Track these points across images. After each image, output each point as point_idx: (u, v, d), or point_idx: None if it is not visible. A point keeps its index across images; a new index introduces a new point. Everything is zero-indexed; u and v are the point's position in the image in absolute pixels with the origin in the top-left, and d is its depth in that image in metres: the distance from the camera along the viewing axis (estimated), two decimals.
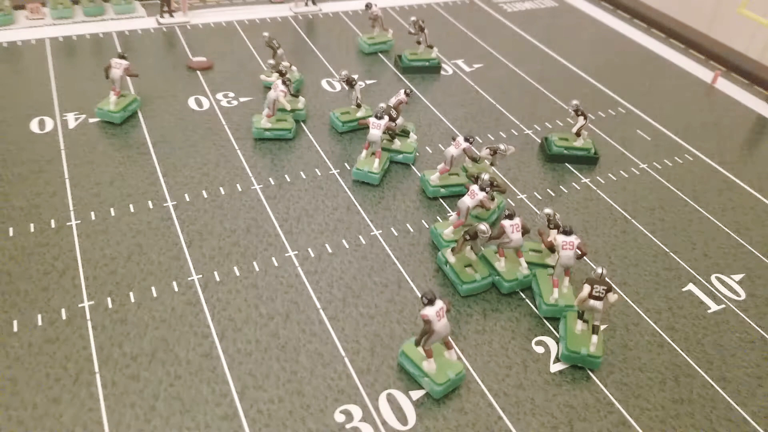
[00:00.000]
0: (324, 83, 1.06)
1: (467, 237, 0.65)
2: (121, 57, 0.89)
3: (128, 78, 0.95)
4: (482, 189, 0.69)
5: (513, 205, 0.82)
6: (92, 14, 1.19)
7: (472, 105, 1.03)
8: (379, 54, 1.17)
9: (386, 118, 0.82)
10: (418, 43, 1.11)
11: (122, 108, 0.90)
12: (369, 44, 1.16)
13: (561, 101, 1.06)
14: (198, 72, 1.05)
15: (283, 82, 0.86)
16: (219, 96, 0.99)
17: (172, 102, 0.96)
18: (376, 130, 0.81)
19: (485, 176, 0.72)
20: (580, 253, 0.63)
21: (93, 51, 1.08)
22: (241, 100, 0.99)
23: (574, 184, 0.87)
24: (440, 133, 0.95)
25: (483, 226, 0.65)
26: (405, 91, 0.87)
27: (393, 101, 0.88)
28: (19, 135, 0.86)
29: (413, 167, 0.87)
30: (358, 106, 0.93)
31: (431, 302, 0.54)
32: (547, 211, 0.69)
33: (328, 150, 0.89)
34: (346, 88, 0.91)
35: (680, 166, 0.92)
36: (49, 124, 0.89)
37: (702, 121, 1.04)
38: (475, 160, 0.81)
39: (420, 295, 0.54)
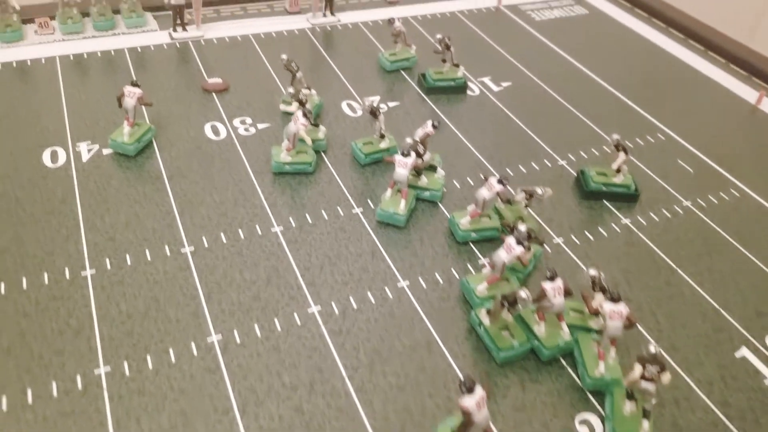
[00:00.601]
0: (344, 106, 1.03)
1: (505, 303, 0.62)
2: (134, 85, 0.87)
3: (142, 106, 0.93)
4: (519, 243, 0.67)
5: (549, 251, 0.79)
6: (103, 29, 1.17)
7: (501, 131, 1.00)
8: (402, 71, 1.14)
9: (413, 155, 0.79)
10: (444, 61, 1.08)
11: (136, 139, 0.88)
12: (391, 61, 1.13)
13: (595, 125, 1.03)
14: (213, 94, 1.03)
15: (304, 114, 0.84)
16: (236, 122, 0.97)
17: (187, 129, 0.94)
18: (403, 169, 0.78)
19: (522, 227, 0.69)
20: (629, 323, 0.60)
21: (105, 70, 1.06)
22: (259, 126, 0.96)
23: (613, 225, 0.84)
24: (468, 165, 0.92)
25: (523, 294, 0.62)
26: (433, 123, 0.84)
27: (419, 134, 0.86)
28: (32, 169, 0.85)
29: (441, 205, 0.85)
30: (382, 136, 0.90)
31: (470, 390, 0.51)
32: (593, 273, 0.66)
33: (351, 185, 0.87)
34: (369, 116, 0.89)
35: (726, 203, 0.89)
36: (62, 157, 0.87)
37: (747, 150, 1.00)
38: (509, 202, 0.78)
39: (459, 382, 0.52)
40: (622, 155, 0.84)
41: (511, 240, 0.68)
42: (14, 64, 1.06)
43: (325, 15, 1.27)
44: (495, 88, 1.11)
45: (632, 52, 1.28)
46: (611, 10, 1.44)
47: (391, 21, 1.10)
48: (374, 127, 0.90)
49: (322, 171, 0.89)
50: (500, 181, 0.75)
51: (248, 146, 0.92)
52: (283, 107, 0.90)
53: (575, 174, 0.92)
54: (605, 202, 0.88)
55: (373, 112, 0.87)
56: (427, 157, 0.82)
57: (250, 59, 1.13)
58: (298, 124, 0.83)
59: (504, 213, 0.80)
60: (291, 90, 0.89)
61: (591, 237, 0.82)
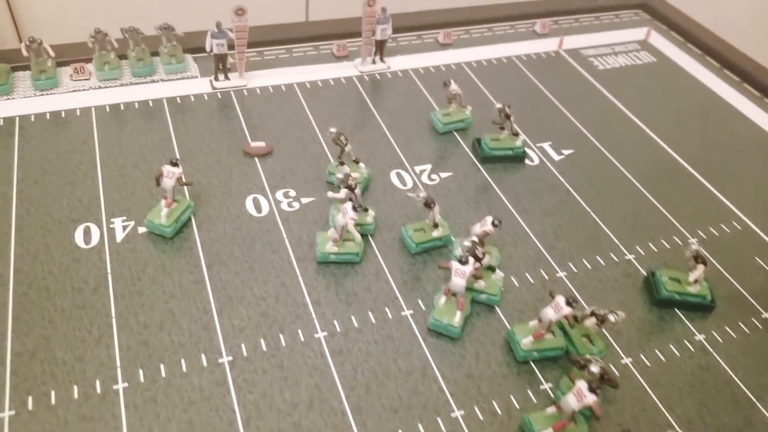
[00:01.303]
0: (393, 176, 0.99)
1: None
2: (174, 164, 0.84)
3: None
4: (592, 390, 0.62)
5: (617, 374, 0.74)
6: (141, 75, 1.14)
7: (563, 212, 0.94)
8: (455, 133, 1.08)
9: (471, 262, 0.74)
10: (502, 128, 1.02)
11: (174, 219, 0.85)
12: (444, 123, 1.08)
13: (666, 209, 0.97)
14: (256, 159, 0.98)
15: (354, 208, 0.79)
16: (279, 195, 0.93)
17: (228, 204, 0.90)
18: (460, 279, 0.73)
19: (595, 368, 0.64)
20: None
21: (142, 126, 1.03)
22: (303, 201, 0.92)
23: (686, 342, 0.78)
24: (527, 257, 0.87)
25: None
26: (493, 222, 0.79)
27: (477, 231, 0.81)
28: (63, 250, 0.82)
29: (498, 310, 0.79)
30: (435, 225, 0.85)
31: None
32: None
33: (400, 279, 0.82)
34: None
35: None
36: (95, 235, 0.84)
37: None
38: (576, 320, 0.73)
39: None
40: (700, 268, 0.78)
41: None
42: (48, 116, 1.03)
43: (374, 62, 1.22)
44: (556, 157, 1.05)
45: (706, 112, 1.21)
46: (680, 57, 1.37)
47: (446, 83, 1.05)
48: (428, 216, 0.85)
49: (369, 259, 0.85)
50: (569, 303, 0.70)
51: (291, 225, 0.88)
52: (330, 194, 0.85)
53: (645, 273, 0.86)
54: (677, 311, 0.82)
55: (427, 204, 0.82)
56: (485, 261, 0.77)
57: (294, 113, 1.09)
58: (347, 217, 0.79)
59: (571, 333, 0.74)
60: (340, 176, 0.85)
61: (662, 357, 0.76)
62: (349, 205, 0.80)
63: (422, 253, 0.86)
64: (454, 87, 1.05)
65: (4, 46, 1.24)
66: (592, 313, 0.72)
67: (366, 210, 0.85)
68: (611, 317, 0.70)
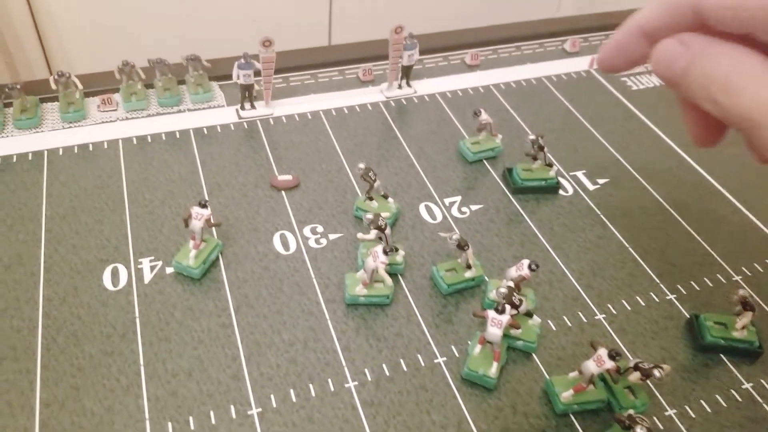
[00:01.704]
0: (422, 209, 0.96)
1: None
2: (203, 206, 0.82)
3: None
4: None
5: (661, 428, 0.71)
6: (168, 105, 1.13)
7: (599, 249, 0.91)
8: (485, 162, 1.06)
9: (508, 310, 0.71)
10: (535, 159, 1.00)
11: (202, 261, 0.83)
12: (473, 152, 1.05)
13: (708, 244, 0.94)
14: (283, 192, 0.97)
15: (384, 251, 0.77)
16: (306, 231, 0.91)
17: (255, 242, 0.88)
18: (497, 329, 0.71)
19: (642, 430, 0.61)
20: None
21: (169, 158, 1.02)
22: (331, 237, 0.90)
23: (733, 391, 0.75)
24: (564, 298, 0.84)
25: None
26: (530, 266, 0.76)
27: (513, 274, 0.78)
28: (92, 293, 0.81)
29: (535, 357, 0.77)
30: (468, 267, 0.82)
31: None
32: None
33: (431, 322, 0.80)
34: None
35: None
36: (123, 276, 0.83)
37: None
38: (618, 372, 0.70)
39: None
40: (748, 315, 0.75)
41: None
42: (75, 149, 1.03)
43: (400, 86, 1.20)
44: (591, 187, 1.02)
45: None
46: None
47: (476, 113, 1.02)
48: (460, 257, 0.82)
49: (399, 301, 0.83)
50: (612, 356, 0.68)
51: (319, 264, 0.86)
52: (360, 236, 0.83)
53: (687, 315, 0.82)
54: (723, 357, 0.78)
55: (461, 246, 0.80)
56: (523, 307, 0.75)
57: (321, 143, 1.07)
58: (378, 261, 0.77)
59: (614, 387, 0.71)
60: (370, 216, 0.83)
61: (707, 407, 0.73)
62: (380, 248, 0.78)
63: (454, 294, 0.84)
64: (484, 116, 1.02)
65: (33, 77, 1.24)
66: (636, 367, 0.69)
67: (396, 250, 0.83)
68: (656, 373, 0.67)
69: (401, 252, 0.85)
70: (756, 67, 0.40)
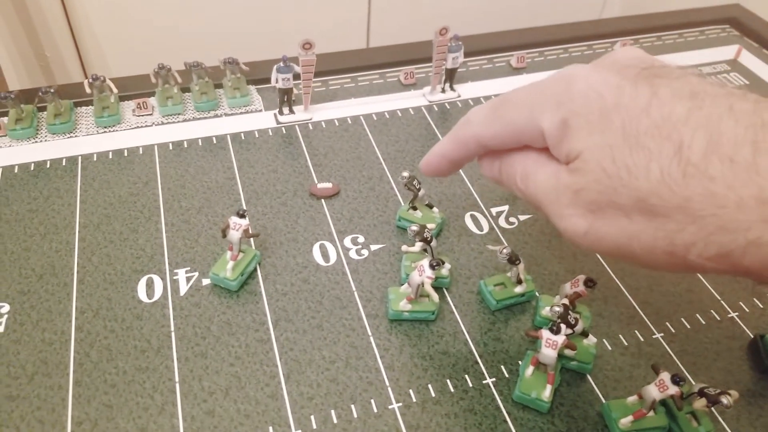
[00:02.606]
0: (468, 219, 0.92)
1: None
2: (241, 216, 0.79)
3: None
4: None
5: None
6: (204, 109, 1.11)
7: None
8: None
9: (563, 330, 0.67)
10: None
11: (240, 272, 0.80)
12: None
13: None
14: (323, 201, 0.94)
15: (431, 266, 0.73)
16: (347, 241, 0.88)
17: (294, 253, 0.85)
18: (551, 350, 0.67)
19: None
20: None
21: (205, 164, 0.99)
22: (372, 248, 0.87)
23: None
24: (620, 316, 0.80)
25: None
26: (588, 283, 0.72)
27: (568, 291, 0.74)
28: (126, 305, 0.79)
29: (590, 378, 0.73)
30: (519, 281, 0.78)
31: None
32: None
33: (479, 340, 0.76)
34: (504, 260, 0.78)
35: None
36: (158, 288, 0.81)
37: None
38: (683, 398, 0.65)
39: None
40: None
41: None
42: (110, 155, 1.01)
43: (443, 90, 1.16)
44: None
45: None
46: (757, 66, 1.26)
47: None
48: (510, 271, 0.78)
49: (444, 317, 0.79)
50: (676, 382, 0.63)
51: (360, 276, 0.83)
52: (405, 248, 0.80)
53: (750, 334, 0.77)
54: None
55: (511, 260, 0.76)
56: (578, 327, 0.70)
57: (361, 149, 1.04)
58: (424, 276, 0.73)
59: (676, 413, 0.67)
60: (415, 228, 0.79)
61: None
62: (426, 261, 0.74)
63: (503, 310, 0.80)
64: None
65: (69, 81, 1.23)
66: (702, 393, 0.64)
67: (442, 263, 0.79)
68: (724, 400, 0.63)
69: (447, 265, 0.81)
70: (534, 161, 0.57)
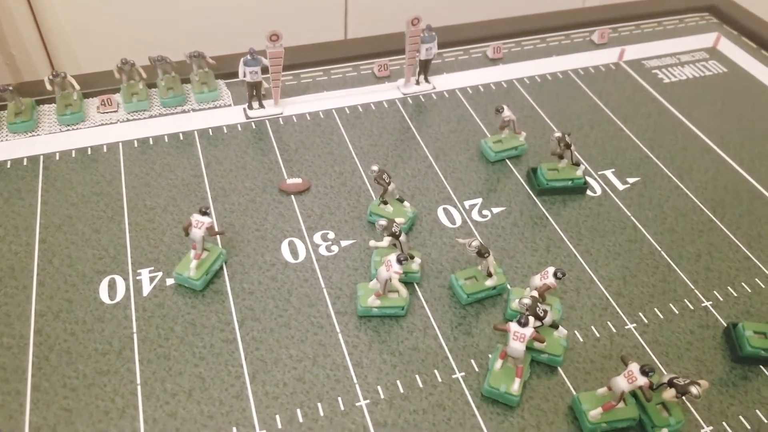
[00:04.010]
0: (440, 213, 0.93)
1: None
2: (203, 213, 0.79)
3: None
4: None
5: None
6: (171, 105, 1.10)
7: (630, 252, 0.87)
8: (507, 161, 1.02)
9: (531, 323, 0.68)
10: (561, 158, 0.96)
11: (204, 271, 0.80)
12: (495, 151, 1.01)
13: (748, 249, 0.89)
14: (292, 197, 0.94)
15: (399, 260, 0.73)
16: (317, 238, 0.88)
17: (262, 251, 0.85)
18: (519, 343, 0.67)
19: None
20: None
21: (173, 164, 0.99)
22: (342, 244, 0.87)
23: None
24: (592, 307, 0.80)
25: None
26: (556, 274, 0.72)
27: (538, 283, 0.74)
28: (87, 307, 0.79)
29: (561, 371, 0.73)
30: (489, 275, 0.79)
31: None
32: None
33: (449, 334, 0.76)
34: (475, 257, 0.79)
35: None
36: (121, 288, 0.80)
37: None
38: (652, 389, 0.66)
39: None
40: None
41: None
42: (73, 153, 1.01)
43: (418, 82, 1.17)
44: (620, 186, 0.98)
45: None
46: (754, 66, 1.28)
47: (498, 110, 0.99)
48: (481, 265, 0.79)
49: (415, 312, 0.79)
50: (645, 372, 0.64)
51: (329, 272, 0.83)
52: (373, 243, 0.80)
53: (724, 324, 0.78)
54: (762, 368, 0.74)
55: (481, 253, 0.76)
56: (547, 319, 0.71)
57: (333, 144, 1.04)
58: (392, 271, 0.74)
59: (646, 404, 0.68)
60: (383, 222, 0.79)
61: (747, 424, 0.70)
62: (393, 257, 0.74)
63: (474, 304, 0.80)
64: (507, 113, 0.99)
65: (37, 77, 1.22)
66: (671, 383, 0.65)
67: (412, 258, 0.80)
68: (693, 389, 0.63)
69: (417, 260, 0.81)
70: None
